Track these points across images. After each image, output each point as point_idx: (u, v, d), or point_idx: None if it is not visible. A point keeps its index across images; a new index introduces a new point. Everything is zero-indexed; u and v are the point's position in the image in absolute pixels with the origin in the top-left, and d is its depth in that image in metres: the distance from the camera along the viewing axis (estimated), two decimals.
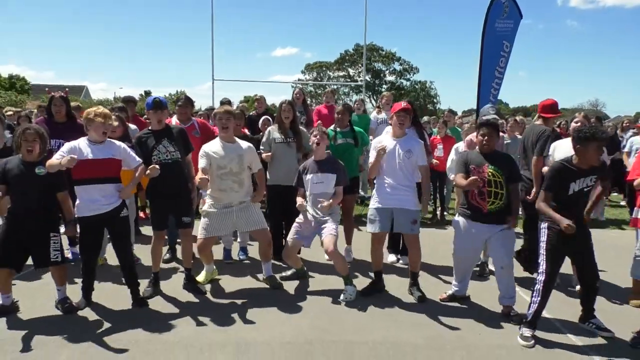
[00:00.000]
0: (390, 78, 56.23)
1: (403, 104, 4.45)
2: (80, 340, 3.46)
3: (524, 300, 4.12)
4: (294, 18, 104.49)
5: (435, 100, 56.21)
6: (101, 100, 45.76)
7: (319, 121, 6.07)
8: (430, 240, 5.59)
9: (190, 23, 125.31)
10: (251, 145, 4.61)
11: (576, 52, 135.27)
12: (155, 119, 4.31)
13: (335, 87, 50.87)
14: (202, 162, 4.30)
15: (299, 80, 57.79)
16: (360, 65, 49.84)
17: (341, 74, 56.83)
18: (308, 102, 8.84)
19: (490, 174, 3.95)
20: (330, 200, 4.38)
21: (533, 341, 3.62)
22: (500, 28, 7.62)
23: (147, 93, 71.41)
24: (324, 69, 57.54)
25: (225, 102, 7.90)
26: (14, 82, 44.03)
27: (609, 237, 6.86)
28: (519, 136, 6.38)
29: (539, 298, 3.69)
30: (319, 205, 4.38)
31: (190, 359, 3.29)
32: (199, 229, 4.48)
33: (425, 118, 10.24)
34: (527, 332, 3.67)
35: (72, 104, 5.82)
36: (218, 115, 4.44)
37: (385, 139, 4.49)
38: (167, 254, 5.27)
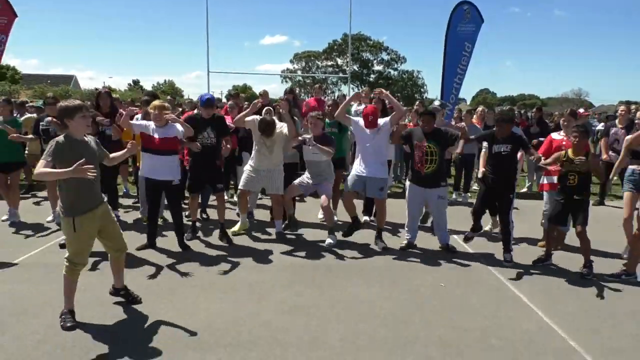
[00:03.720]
0: (378, 68, 57.25)
1: (371, 108, 5.82)
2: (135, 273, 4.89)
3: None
4: (283, 6, 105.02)
5: (422, 90, 57.29)
6: (92, 91, 46.60)
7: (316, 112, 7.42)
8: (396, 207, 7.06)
9: (178, 11, 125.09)
10: (285, 124, 5.94)
11: (562, 41, 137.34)
12: (205, 113, 5.73)
13: (323, 77, 52.10)
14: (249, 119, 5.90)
15: (287, 69, 59.00)
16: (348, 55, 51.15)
17: (329, 63, 57.63)
18: (297, 91, 10.25)
19: (427, 147, 5.48)
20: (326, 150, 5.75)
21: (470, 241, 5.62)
22: (462, 31, 9.02)
23: (135, 82, 72.10)
24: (312, 58, 58.29)
25: (264, 94, 9.25)
26: (4, 72, 44.40)
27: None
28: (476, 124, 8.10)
29: (474, 220, 5.56)
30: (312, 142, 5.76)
31: (218, 292, 4.73)
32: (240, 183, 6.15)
33: (405, 108, 11.69)
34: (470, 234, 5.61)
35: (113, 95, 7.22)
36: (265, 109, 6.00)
37: (359, 123, 5.87)
38: (189, 233, 6.15)
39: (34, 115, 8.72)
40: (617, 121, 7.87)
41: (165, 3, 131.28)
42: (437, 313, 4.06)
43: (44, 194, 8.58)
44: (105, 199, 3.93)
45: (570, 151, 5.01)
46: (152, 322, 3.79)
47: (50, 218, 6.73)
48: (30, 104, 9.51)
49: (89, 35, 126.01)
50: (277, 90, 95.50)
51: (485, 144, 5.74)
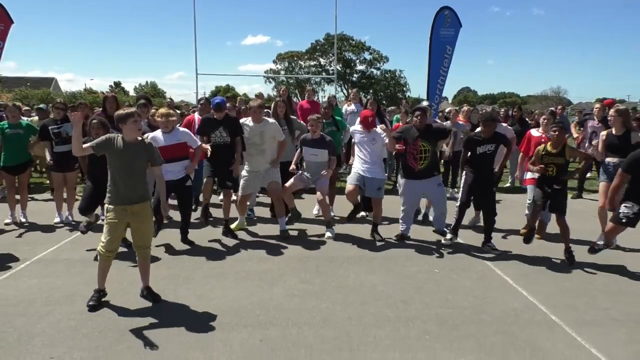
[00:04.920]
0: (360, 67, 57.75)
1: (368, 112, 6.32)
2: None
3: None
4: (264, 6, 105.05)
5: (405, 89, 57.99)
6: (73, 93, 46.18)
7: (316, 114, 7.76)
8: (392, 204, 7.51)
9: (159, 12, 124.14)
10: (275, 122, 6.32)
11: (541, 39, 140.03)
12: (217, 115, 6.09)
13: (307, 77, 52.42)
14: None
15: (270, 69, 59.23)
16: (331, 55, 51.45)
17: (312, 63, 57.96)
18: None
19: (422, 145, 5.91)
20: (330, 170, 6.31)
21: (450, 242, 5.94)
22: (444, 35, 9.56)
23: (117, 84, 71.57)
24: (295, 58, 58.58)
25: (260, 95, 9.64)
26: None
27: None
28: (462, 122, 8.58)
29: (457, 215, 5.93)
30: (322, 172, 6.25)
31: (231, 280, 5.11)
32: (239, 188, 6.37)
33: (390, 108, 12.19)
34: (449, 236, 5.97)
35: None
36: (252, 109, 6.22)
37: (357, 131, 6.30)
38: (202, 218, 6.64)
39: (36, 118, 8.99)
40: (595, 115, 8.57)
41: (145, 3, 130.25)
42: (434, 294, 4.50)
43: (43, 196, 8.87)
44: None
45: (549, 145, 5.51)
46: (177, 307, 4.17)
47: (57, 219, 7.00)
48: (40, 105, 9.73)
49: (67, 36, 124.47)
50: (260, 89, 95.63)
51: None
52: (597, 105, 8.82)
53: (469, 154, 5.90)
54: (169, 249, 5.71)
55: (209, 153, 5.96)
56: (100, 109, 7.52)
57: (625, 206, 5.05)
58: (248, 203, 7.33)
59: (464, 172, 6.09)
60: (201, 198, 6.83)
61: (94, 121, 5.53)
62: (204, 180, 6.38)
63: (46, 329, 3.72)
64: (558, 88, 72.11)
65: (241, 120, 6.31)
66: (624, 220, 5.04)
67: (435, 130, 6.05)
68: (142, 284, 4.36)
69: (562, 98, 69.86)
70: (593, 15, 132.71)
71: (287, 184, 6.43)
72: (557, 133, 5.42)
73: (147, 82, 69.75)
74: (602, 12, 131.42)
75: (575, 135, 9.19)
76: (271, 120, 6.35)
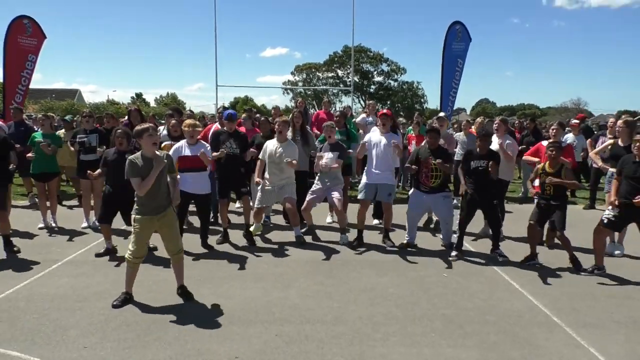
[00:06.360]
0: (378, 79, 58.18)
1: (385, 109, 6.61)
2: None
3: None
4: (284, 19, 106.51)
5: (422, 100, 58.18)
6: (97, 104, 47.43)
7: (330, 122, 7.80)
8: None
9: (180, 24, 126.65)
10: (292, 142, 6.62)
11: (561, 51, 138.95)
12: (228, 127, 6.46)
13: (325, 88, 52.92)
14: (261, 155, 6.51)
15: (288, 81, 60.01)
16: (348, 66, 52.03)
17: (330, 74, 58.56)
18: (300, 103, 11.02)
19: (433, 164, 6.13)
20: (336, 165, 6.50)
21: (456, 257, 5.95)
22: (456, 49, 9.82)
23: (138, 95, 73.23)
24: (313, 70, 59.27)
25: (277, 108, 10.03)
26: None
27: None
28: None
29: (459, 231, 6.07)
30: (329, 165, 6.45)
31: (249, 281, 5.39)
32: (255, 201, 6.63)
33: (401, 119, 12.46)
34: (454, 252, 6.00)
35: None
36: (278, 123, 6.57)
37: (374, 135, 6.58)
38: (220, 237, 6.67)
39: (63, 130, 9.49)
40: (607, 131, 8.55)
41: (166, 16, 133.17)
42: (441, 296, 4.72)
43: (69, 202, 9.30)
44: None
45: (547, 164, 5.68)
46: (198, 304, 4.46)
47: (85, 224, 7.38)
48: (66, 117, 10.25)
49: (90, 48, 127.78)
50: (278, 101, 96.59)
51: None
52: (612, 120, 8.74)
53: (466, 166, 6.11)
54: (190, 253, 6.00)
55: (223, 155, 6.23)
56: (126, 118, 7.95)
57: (608, 209, 5.40)
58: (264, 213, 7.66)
59: (461, 188, 6.27)
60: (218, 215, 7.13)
61: (119, 131, 5.89)
62: (219, 200, 6.65)
63: (79, 322, 4.04)
64: (578, 100, 71.58)
65: (267, 143, 6.60)
66: (605, 222, 5.36)
67: (444, 151, 6.30)
68: (177, 283, 4.67)
69: (582, 110, 69.13)
70: (613, 26, 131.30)
71: (305, 204, 6.67)
72: (553, 153, 5.59)
73: (167, 94, 71.38)
74: (622, 23, 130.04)
75: (591, 153, 7.89)
76: (290, 142, 6.62)
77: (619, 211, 5.28)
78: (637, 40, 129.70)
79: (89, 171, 6.12)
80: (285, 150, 6.45)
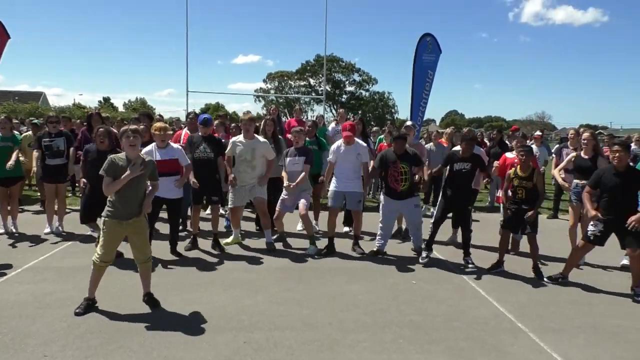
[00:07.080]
0: (350, 88, 58.75)
1: (348, 123, 6.67)
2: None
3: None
4: (256, 26, 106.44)
5: (393, 110, 58.94)
6: (62, 108, 46.21)
7: (300, 127, 8.01)
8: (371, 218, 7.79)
9: (150, 28, 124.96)
10: (265, 140, 6.58)
11: (527, 65, 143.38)
12: (202, 131, 6.37)
13: (296, 97, 53.01)
14: (228, 151, 6.45)
15: (260, 88, 59.92)
16: (321, 75, 52.22)
17: (302, 83, 58.78)
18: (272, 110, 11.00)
19: (402, 167, 6.22)
20: (304, 176, 6.46)
21: (427, 258, 6.10)
22: (426, 60, 10.00)
23: (106, 99, 71.66)
24: (286, 78, 59.37)
25: (248, 112, 9.93)
26: None
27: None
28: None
29: (432, 229, 6.21)
30: (291, 185, 6.42)
31: (218, 288, 5.32)
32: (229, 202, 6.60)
33: (375, 128, 12.59)
34: (424, 254, 6.20)
35: (103, 114, 7.79)
36: (243, 122, 6.54)
37: (341, 146, 6.61)
38: (189, 244, 6.56)
39: (30, 132, 9.19)
40: (568, 143, 8.81)
41: (136, 19, 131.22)
42: (409, 303, 4.76)
43: (32, 208, 9.01)
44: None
45: (519, 168, 5.84)
46: (166, 312, 4.37)
47: (47, 230, 7.16)
48: (34, 120, 9.96)
49: (56, 50, 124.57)
50: (249, 108, 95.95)
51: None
52: (572, 132, 8.99)
53: (447, 170, 6.26)
54: (159, 260, 5.89)
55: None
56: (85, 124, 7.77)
57: (592, 224, 5.38)
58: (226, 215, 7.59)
59: (441, 190, 6.43)
60: (189, 215, 7.04)
61: (100, 130, 5.75)
62: (193, 206, 6.57)
63: (40, 330, 3.90)
64: (543, 113, 73.91)
65: (233, 139, 6.57)
66: (591, 238, 5.37)
67: (412, 156, 6.37)
68: (143, 290, 4.55)
69: (546, 123, 71.46)
70: (578, 44, 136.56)
71: (276, 214, 6.67)
72: (524, 157, 5.75)
73: (136, 98, 70.03)
74: (585, 40, 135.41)
75: (554, 170, 8.37)
76: (262, 139, 6.61)
77: (603, 226, 5.27)
78: (598, 57, 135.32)
79: (83, 180, 5.94)
80: (258, 147, 6.43)
